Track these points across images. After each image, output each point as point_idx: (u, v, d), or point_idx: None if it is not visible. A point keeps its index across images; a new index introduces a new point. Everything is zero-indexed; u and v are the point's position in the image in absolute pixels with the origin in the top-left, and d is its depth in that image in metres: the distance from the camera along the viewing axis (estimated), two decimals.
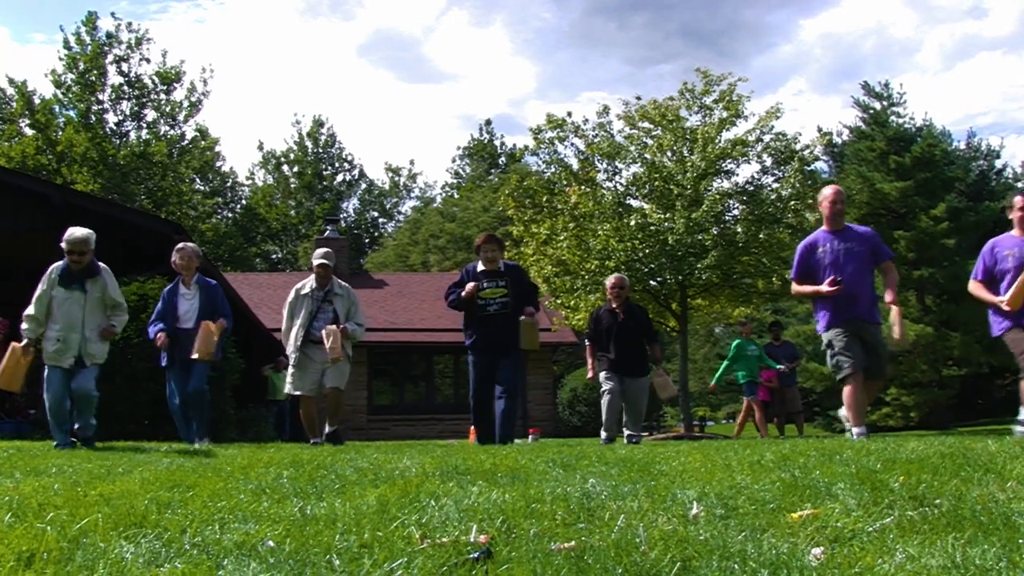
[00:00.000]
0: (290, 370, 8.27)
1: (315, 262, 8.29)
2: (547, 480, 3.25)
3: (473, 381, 8.10)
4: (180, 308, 8.19)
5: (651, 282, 18.71)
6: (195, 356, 7.79)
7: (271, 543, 2.08)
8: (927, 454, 4.18)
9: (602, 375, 9.69)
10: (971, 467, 3.19)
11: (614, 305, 9.87)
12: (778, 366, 13.98)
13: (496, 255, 8.11)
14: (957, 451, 4.23)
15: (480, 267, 8.16)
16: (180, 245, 8.28)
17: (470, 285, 8.00)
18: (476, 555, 1.97)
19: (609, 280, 10.08)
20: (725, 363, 14.24)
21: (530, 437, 15.67)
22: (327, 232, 30.06)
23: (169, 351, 8.08)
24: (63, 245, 6.74)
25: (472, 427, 8.51)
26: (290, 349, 8.24)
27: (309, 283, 8.37)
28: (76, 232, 6.74)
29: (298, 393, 8.28)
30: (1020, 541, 1.95)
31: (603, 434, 9.45)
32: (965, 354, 30.27)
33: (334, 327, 8.06)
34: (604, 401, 9.53)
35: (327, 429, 8.43)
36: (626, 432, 9.71)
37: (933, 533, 2.03)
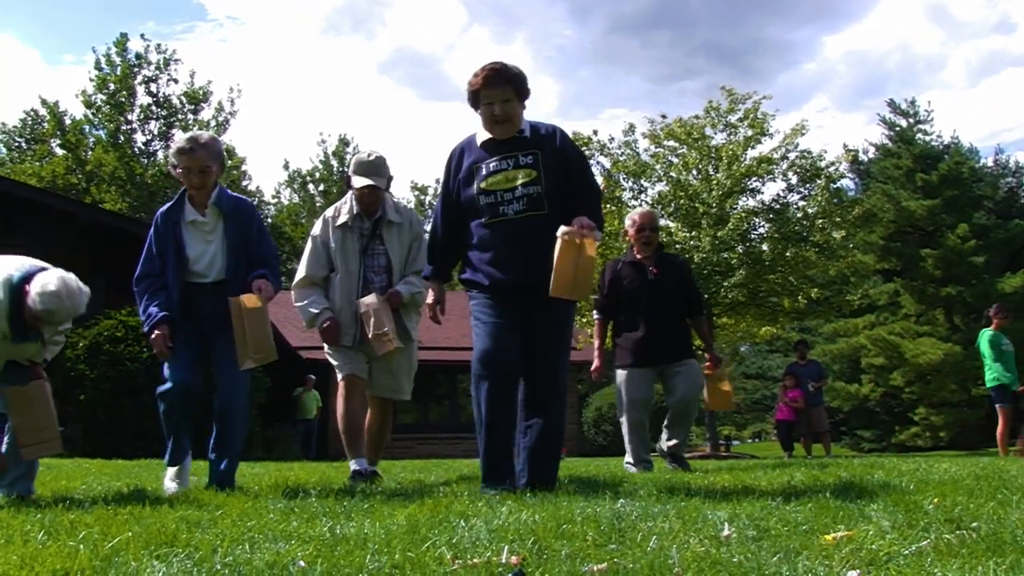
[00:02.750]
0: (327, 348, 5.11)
1: (357, 183, 5.01)
2: (576, 500, 3.23)
3: (481, 355, 3.89)
4: (191, 249, 4.40)
5: None
6: (247, 365, 4.22)
7: (302, 563, 2.08)
8: (961, 475, 4.12)
9: (621, 374, 6.37)
10: (1008, 489, 3.14)
11: (640, 256, 6.43)
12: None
13: (509, 109, 3.94)
14: (992, 472, 4.16)
15: (481, 137, 4.08)
16: (187, 136, 4.43)
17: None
18: None
19: (633, 216, 6.56)
20: (992, 363, 10.67)
21: None
22: None
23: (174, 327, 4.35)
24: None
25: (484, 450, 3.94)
26: (315, 310, 5.02)
27: (344, 208, 5.14)
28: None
29: (343, 375, 5.02)
30: None
31: (630, 459, 6.37)
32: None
33: (373, 299, 4.91)
34: (624, 420, 6.40)
35: (366, 466, 5.02)
36: (665, 442, 6.50)
37: (972, 557, 2.00)
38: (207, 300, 4.32)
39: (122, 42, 37.93)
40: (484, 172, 3.93)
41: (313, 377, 19.40)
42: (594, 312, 7.03)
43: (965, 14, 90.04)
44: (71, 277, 3.77)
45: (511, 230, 3.88)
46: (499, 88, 3.88)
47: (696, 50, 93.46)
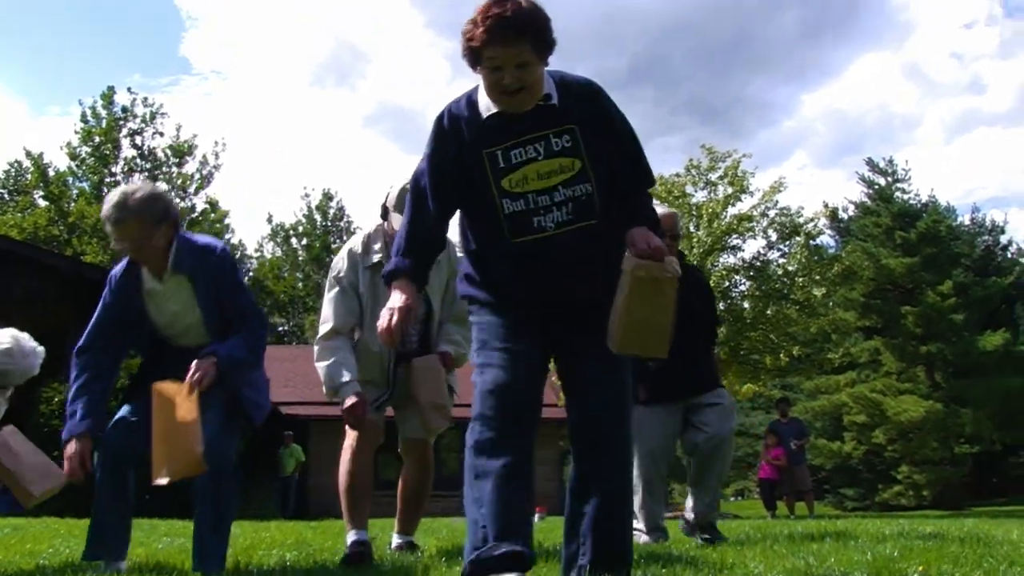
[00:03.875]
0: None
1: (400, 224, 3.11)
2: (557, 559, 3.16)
3: (488, 393, 2.64)
4: (157, 317, 3.58)
5: None
6: (159, 480, 3.15)
7: None
8: (945, 540, 4.07)
9: (636, 410, 4.12)
10: (994, 557, 3.10)
11: None
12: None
13: (526, 75, 2.57)
14: (976, 537, 4.12)
15: (486, 104, 2.71)
16: (113, 202, 3.38)
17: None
18: None
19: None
20: None
21: (537, 515, 15.45)
22: None
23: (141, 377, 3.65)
24: None
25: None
26: (345, 378, 3.93)
27: (376, 246, 4.10)
28: None
29: (349, 403, 3.92)
30: None
31: (641, 526, 4.83)
32: (977, 431, 30.02)
33: (433, 361, 4.08)
34: (639, 472, 4.78)
35: (400, 538, 4.43)
36: (690, 509, 5.00)
37: None
38: (183, 359, 3.35)
39: (109, 95, 38.12)
40: (502, 164, 2.65)
41: (291, 433, 19.17)
42: None
43: (939, 74, 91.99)
44: (24, 336, 3.58)
45: (550, 250, 2.67)
46: (511, 46, 2.49)
47: (679, 108, 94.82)
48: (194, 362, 3.25)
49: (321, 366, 3.99)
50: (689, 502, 5.03)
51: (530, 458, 2.68)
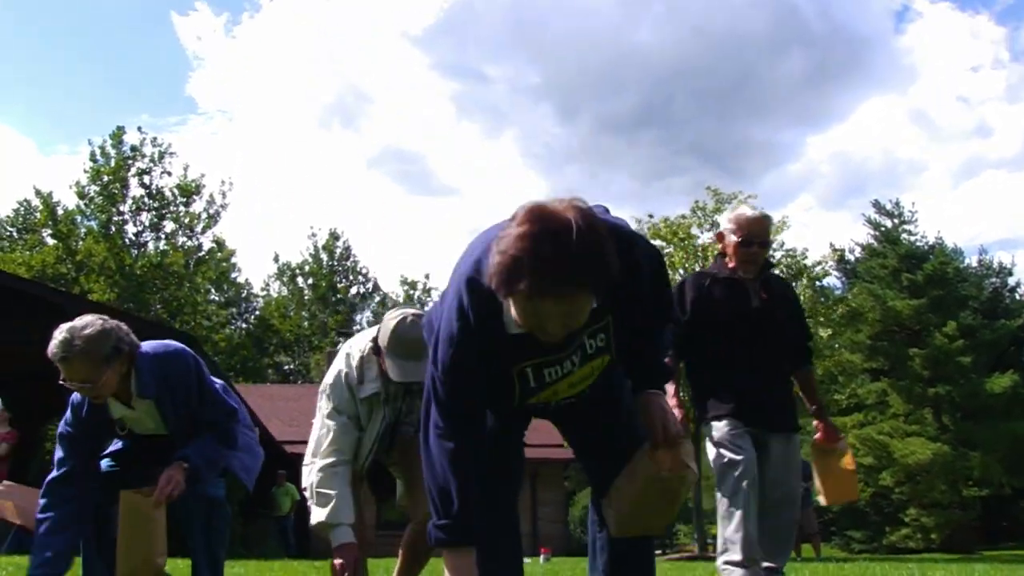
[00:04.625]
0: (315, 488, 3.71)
1: (395, 375, 3.60)
2: None
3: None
4: (135, 430, 3.55)
5: None
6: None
7: None
8: None
9: (717, 428, 4.19)
10: None
11: (741, 272, 4.35)
12: None
13: (577, 318, 1.95)
14: None
15: (514, 325, 2.04)
16: (59, 340, 3.22)
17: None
18: None
19: (739, 218, 4.35)
20: None
21: (541, 556, 15.30)
22: (339, 344, 30.07)
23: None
24: None
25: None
26: (342, 520, 3.60)
27: (371, 374, 3.78)
28: None
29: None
30: None
31: (736, 557, 3.97)
32: (985, 474, 29.75)
33: None
34: (724, 495, 4.08)
35: None
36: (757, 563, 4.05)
37: None
38: (160, 454, 3.37)
39: (118, 135, 38.44)
40: (533, 384, 2.28)
41: (283, 472, 19.02)
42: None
43: (945, 119, 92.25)
44: None
45: (554, 409, 2.46)
46: (563, 302, 1.88)
47: (682, 149, 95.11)
48: (164, 472, 3.24)
49: (325, 492, 3.62)
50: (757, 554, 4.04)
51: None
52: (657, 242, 19.81)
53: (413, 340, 3.44)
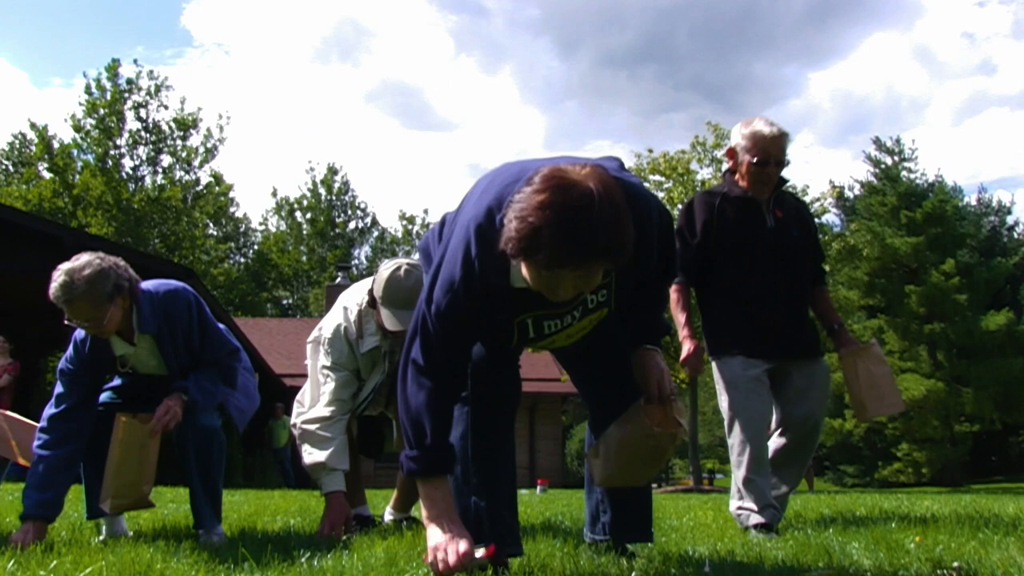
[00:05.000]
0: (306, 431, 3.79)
1: (391, 325, 3.57)
2: (558, 533, 3.20)
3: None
4: (137, 368, 3.55)
5: None
6: (105, 506, 3.33)
7: None
8: (942, 513, 4.11)
9: (727, 367, 3.92)
10: (989, 528, 3.13)
11: (753, 193, 4.01)
12: None
13: (590, 283, 2.02)
14: (974, 511, 4.16)
15: (518, 279, 2.11)
16: (59, 283, 3.19)
17: None
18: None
19: (753, 133, 3.95)
20: None
21: (538, 488, 15.54)
22: (338, 279, 30.17)
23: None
24: None
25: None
26: (336, 466, 3.73)
27: (369, 329, 3.81)
28: None
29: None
30: None
31: (750, 505, 3.74)
32: (977, 410, 30.08)
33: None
34: (736, 437, 3.85)
35: (394, 514, 4.52)
36: (769, 495, 3.80)
37: None
38: (160, 394, 3.38)
39: (113, 67, 38.01)
40: (532, 334, 2.34)
41: (281, 405, 19.21)
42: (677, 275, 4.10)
43: (948, 55, 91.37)
44: None
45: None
46: (580, 268, 1.91)
47: (682, 84, 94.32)
48: (163, 402, 3.27)
49: (325, 436, 3.71)
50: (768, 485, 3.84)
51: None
52: (656, 177, 19.72)
53: (408, 289, 3.50)
